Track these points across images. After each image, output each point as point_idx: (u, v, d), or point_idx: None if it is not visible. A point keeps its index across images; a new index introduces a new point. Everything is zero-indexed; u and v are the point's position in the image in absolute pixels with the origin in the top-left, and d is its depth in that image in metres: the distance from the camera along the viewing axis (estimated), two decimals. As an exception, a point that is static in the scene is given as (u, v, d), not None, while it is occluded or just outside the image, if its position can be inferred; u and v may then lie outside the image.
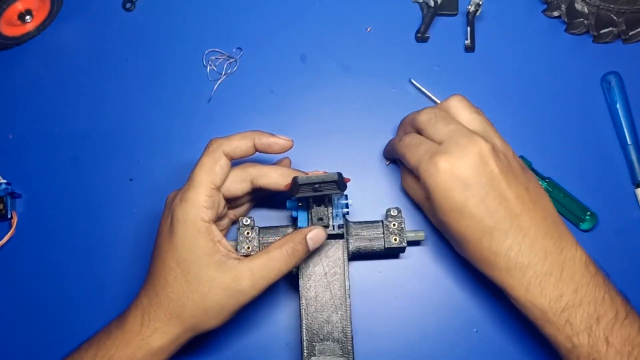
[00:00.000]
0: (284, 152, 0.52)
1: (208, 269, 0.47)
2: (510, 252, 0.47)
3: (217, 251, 0.48)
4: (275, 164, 0.57)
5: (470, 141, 0.48)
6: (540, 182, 0.53)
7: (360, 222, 0.55)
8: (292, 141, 0.52)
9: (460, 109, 0.52)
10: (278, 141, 0.51)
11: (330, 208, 0.52)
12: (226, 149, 0.50)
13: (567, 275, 0.47)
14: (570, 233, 0.49)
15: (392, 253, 0.56)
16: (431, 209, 0.51)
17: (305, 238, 0.50)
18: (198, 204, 0.48)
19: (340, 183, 0.48)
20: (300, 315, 0.51)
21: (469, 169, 0.47)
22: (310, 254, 0.52)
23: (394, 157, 0.59)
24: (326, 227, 0.52)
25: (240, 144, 0.50)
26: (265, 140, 0.51)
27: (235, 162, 0.52)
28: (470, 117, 0.51)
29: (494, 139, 0.50)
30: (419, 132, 0.53)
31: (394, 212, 0.54)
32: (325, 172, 0.48)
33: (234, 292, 0.48)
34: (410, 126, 0.55)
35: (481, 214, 0.47)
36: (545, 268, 0.47)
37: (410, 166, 0.51)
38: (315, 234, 0.50)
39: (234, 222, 0.57)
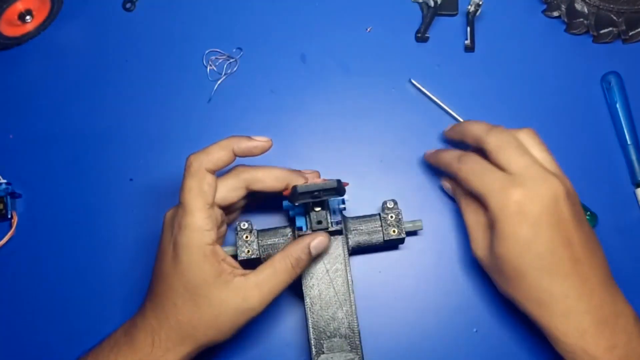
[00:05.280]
0: (264, 153, 0.50)
1: (217, 290, 0.47)
2: (568, 297, 0.47)
3: (223, 271, 0.48)
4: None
5: (547, 180, 0.47)
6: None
7: (357, 217, 0.55)
8: (271, 140, 0.50)
9: (533, 145, 0.51)
10: (257, 144, 0.50)
11: (328, 211, 0.52)
12: (208, 166, 0.48)
13: (621, 327, 0.47)
14: (620, 290, 0.49)
15: (391, 245, 0.56)
16: (488, 239, 0.50)
17: (308, 247, 0.50)
18: (199, 229, 0.47)
19: (339, 189, 0.48)
20: (305, 314, 0.51)
21: (542, 207, 0.46)
22: None
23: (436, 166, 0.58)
24: (325, 229, 0.52)
25: (220, 156, 0.49)
26: (244, 146, 0.49)
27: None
28: (542, 155, 0.50)
29: (566, 183, 0.49)
30: (479, 150, 0.52)
31: (390, 204, 0.55)
32: (325, 180, 0.48)
33: (245, 310, 0.48)
34: (471, 140, 0.53)
35: (546, 252, 0.47)
36: (602, 316, 0.46)
37: (476, 192, 0.50)
38: (318, 242, 0.50)
39: (229, 224, 0.57)
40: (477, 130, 0.53)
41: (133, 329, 0.49)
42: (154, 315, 0.48)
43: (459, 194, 0.56)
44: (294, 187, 0.47)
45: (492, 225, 0.49)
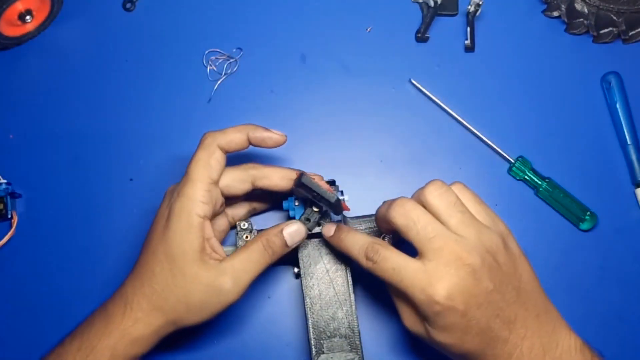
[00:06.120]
0: (277, 146, 0.51)
1: (193, 264, 0.47)
2: (512, 357, 0.45)
3: (204, 249, 0.48)
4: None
5: (461, 257, 0.44)
6: (514, 237, 0.48)
7: (357, 217, 0.55)
8: (286, 136, 0.51)
9: (454, 204, 0.46)
10: (272, 136, 0.51)
11: (324, 219, 0.52)
12: (221, 143, 0.49)
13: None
14: (561, 318, 0.48)
15: None
16: (420, 318, 0.46)
17: (281, 231, 0.50)
18: (195, 199, 0.48)
19: (335, 206, 0.48)
20: (305, 314, 0.52)
21: (466, 293, 0.44)
22: (309, 252, 0.53)
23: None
24: (309, 229, 0.52)
25: (234, 138, 0.50)
26: (259, 135, 0.50)
27: (234, 158, 0.52)
28: (462, 217, 0.46)
29: (487, 240, 0.45)
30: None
31: None
32: (331, 190, 0.48)
33: (216, 290, 0.48)
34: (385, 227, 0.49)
35: (485, 325, 0.44)
36: (555, 356, 0.46)
37: (398, 289, 0.45)
38: (294, 230, 0.50)
39: (233, 227, 0.57)
40: (383, 215, 0.48)
41: (108, 301, 0.50)
42: (131, 284, 0.49)
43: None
44: (302, 174, 0.47)
45: (422, 316, 0.45)
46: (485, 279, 0.44)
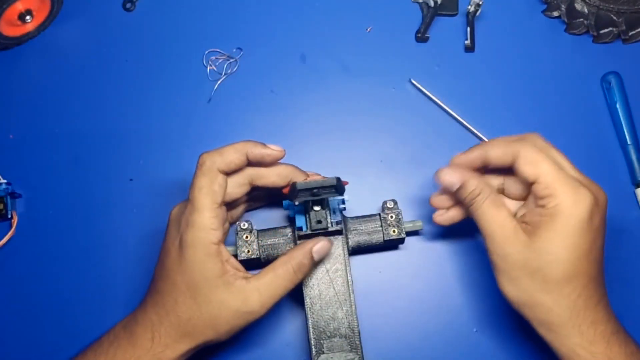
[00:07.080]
0: (276, 162, 0.51)
1: (217, 290, 0.47)
2: (600, 302, 0.47)
3: (225, 272, 0.48)
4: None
5: (598, 187, 0.48)
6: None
7: (357, 217, 0.55)
8: (284, 151, 0.51)
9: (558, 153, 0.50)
10: (271, 153, 0.50)
11: (328, 210, 0.52)
12: (220, 166, 0.49)
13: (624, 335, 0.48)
14: None
15: (391, 245, 0.56)
16: (522, 237, 0.46)
17: (310, 251, 0.50)
18: (206, 227, 0.47)
19: (338, 187, 0.48)
20: (305, 314, 0.51)
21: (602, 216, 0.47)
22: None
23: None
24: (325, 229, 0.52)
25: (233, 159, 0.49)
26: (258, 152, 0.50)
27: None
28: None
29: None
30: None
31: (390, 204, 0.55)
32: (324, 177, 0.48)
33: (243, 313, 0.48)
34: (496, 160, 0.49)
35: (598, 260, 0.47)
36: (616, 326, 0.48)
37: (540, 182, 0.46)
38: (320, 247, 0.50)
39: (232, 223, 0.57)
40: (502, 148, 0.49)
41: (133, 324, 0.49)
42: (155, 311, 0.49)
43: (482, 184, 0.49)
44: (293, 184, 0.47)
45: (548, 223, 0.45)
46: (604, 215, 0.47)
